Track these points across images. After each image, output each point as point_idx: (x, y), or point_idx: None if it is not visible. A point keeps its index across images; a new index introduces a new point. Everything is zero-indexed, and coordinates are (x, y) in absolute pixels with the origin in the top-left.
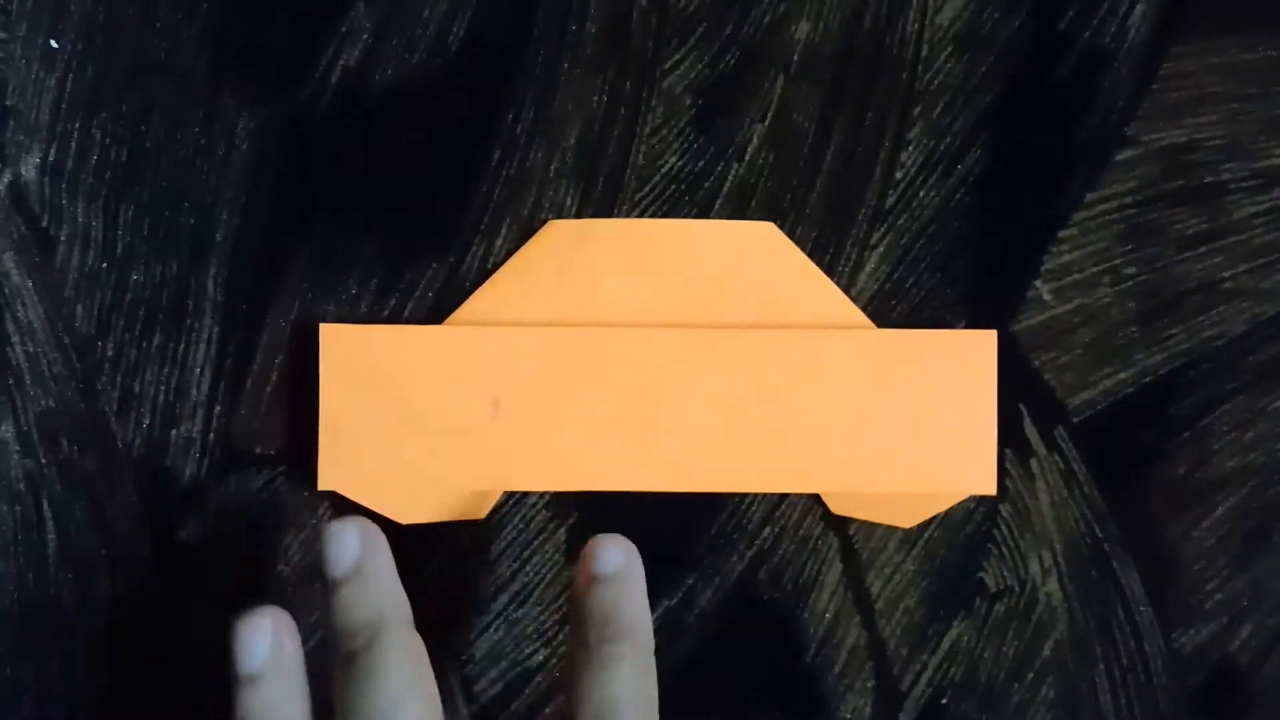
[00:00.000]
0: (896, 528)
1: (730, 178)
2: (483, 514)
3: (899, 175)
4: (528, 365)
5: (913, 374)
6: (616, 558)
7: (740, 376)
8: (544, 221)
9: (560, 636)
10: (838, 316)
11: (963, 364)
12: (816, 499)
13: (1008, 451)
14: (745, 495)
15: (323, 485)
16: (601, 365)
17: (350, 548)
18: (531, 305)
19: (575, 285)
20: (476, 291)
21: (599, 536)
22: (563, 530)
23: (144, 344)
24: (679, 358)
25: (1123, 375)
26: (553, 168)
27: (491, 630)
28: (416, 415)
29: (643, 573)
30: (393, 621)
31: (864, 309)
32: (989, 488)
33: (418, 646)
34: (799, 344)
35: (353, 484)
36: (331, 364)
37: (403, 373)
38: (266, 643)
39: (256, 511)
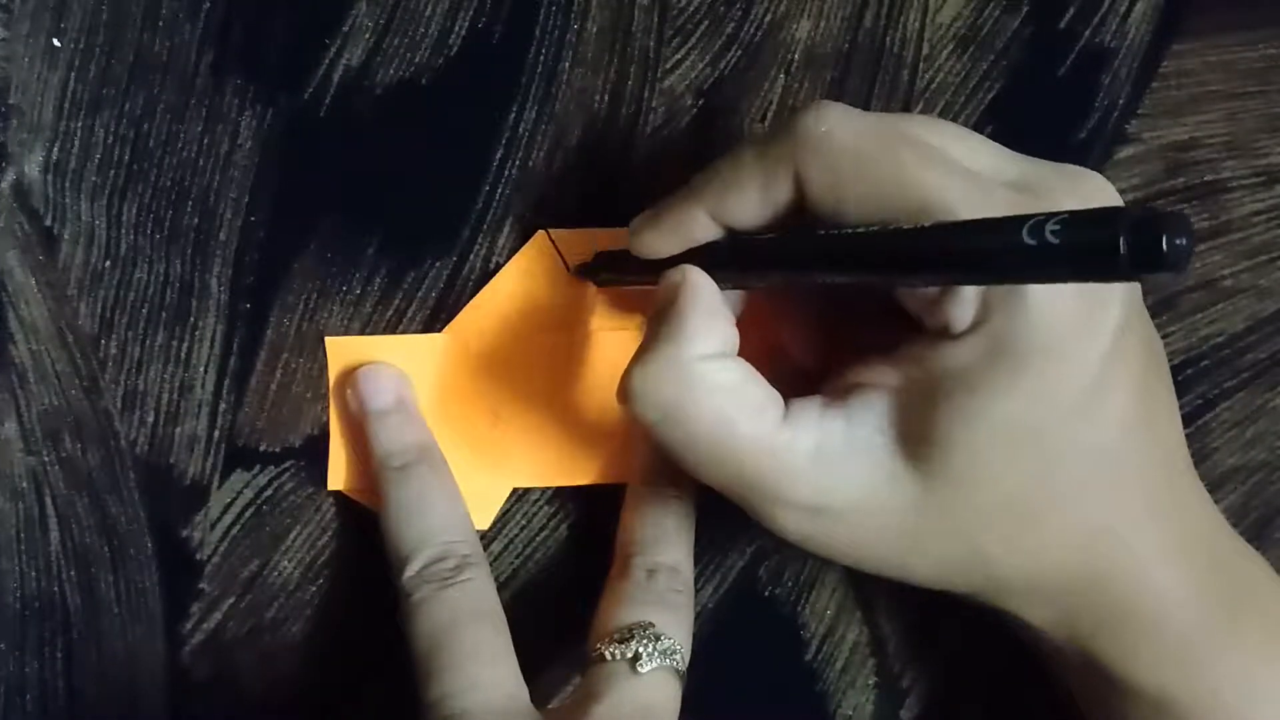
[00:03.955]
0: None
1: None
2: (486, 524)
3: None
4: (526, 370)
5: None
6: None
7: None
8: (546, 222)
9: (563, 631)
10: None
11: None
12: None
13: None
14: None
15: (332, 486)
16: (602, 365)
17: (390, 384)
18: (528, 310)
19: (571, 288)
20: (473, 300)
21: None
22: (564, 527)
23: (147, 342)
24: None
25: None
26: (555, 167)
27: None
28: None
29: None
30: (435, 447)
31: None
32: None
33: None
34: None
35: (361, 490)
36: (338, 375)
37: None
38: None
39: (260, 508)
